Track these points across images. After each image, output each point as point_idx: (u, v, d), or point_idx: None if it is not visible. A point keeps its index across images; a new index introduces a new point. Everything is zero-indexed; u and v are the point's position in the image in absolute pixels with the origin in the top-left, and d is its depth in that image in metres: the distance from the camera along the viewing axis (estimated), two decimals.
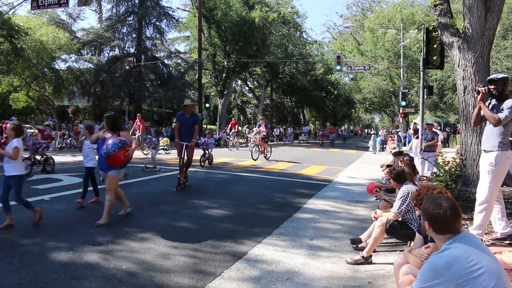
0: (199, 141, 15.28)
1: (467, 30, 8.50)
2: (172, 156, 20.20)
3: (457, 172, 9.01)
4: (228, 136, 30.78)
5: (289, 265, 4.99)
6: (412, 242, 4.81)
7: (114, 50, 37.01)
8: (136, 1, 37.09)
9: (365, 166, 17.57)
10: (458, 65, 8.68)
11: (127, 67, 38.65)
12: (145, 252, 5.21)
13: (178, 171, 13.09)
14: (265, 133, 19.58)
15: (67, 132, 27.68)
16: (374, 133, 32.39)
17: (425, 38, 15.57)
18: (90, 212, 7.25)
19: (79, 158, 17.43)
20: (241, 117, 67.29)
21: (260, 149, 19.19)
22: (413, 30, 32.49)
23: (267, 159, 19.09)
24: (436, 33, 11.40)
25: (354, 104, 67.71)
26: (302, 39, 51.00)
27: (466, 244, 2.60)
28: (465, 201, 7.54)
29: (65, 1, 18.22)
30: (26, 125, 25.38)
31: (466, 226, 6.12)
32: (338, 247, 5.78)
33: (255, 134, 19.99)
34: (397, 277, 3.66)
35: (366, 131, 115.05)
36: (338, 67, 29.05)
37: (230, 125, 26.94)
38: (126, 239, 5.67)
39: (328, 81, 61.26)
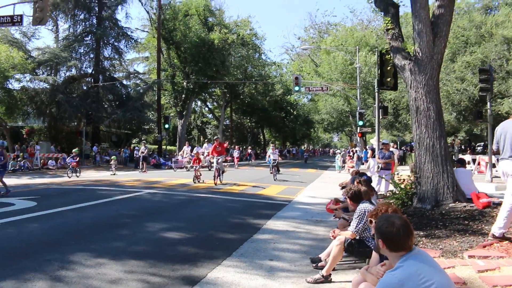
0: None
1: (417, 53, 8.85)
2: (129, 177, 19.87)
3: (412, 189, 9.25)
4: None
5: (249, 287, 4.96)
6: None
7: (71, 70, 36.35)
8: (94, 21, 36.71)
9: (325, 185, 17.78)
10: (410, 87, 9.00)
11: (85, 88, 37.97)
12: (100, 278, 5.04)
13: (136, 193, 12.90)
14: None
15: (21, 154, 26.71)
16: (339, 153, 33.00)
17: (378, 61, 16.13)
18: (43, 237, 6.99)
19: (36, 180, 16.92)
20: (201, 138, 67.08)
21: None
22: (362, 53, 33.52)
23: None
24: (389, 56, 11.83)
25: (313, 124, 68.79)
26: (261, 60, 51.75)
27: (418, 261, 2.67)
28: (421, 217, 7.73)
29: (19, 20, 17.80)
30: None
31: (422, 242, 6.27)
32: (298, 267, 5.79)
33: None
34: None
35: (326, 150, 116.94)
36: (297, 88, 29.58)
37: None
38: (81, 265, 5.48)
39: (288, 102, 62.16)
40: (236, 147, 40.54)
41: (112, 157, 25.18)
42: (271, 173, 20.48)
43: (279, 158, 21.58)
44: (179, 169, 27.02)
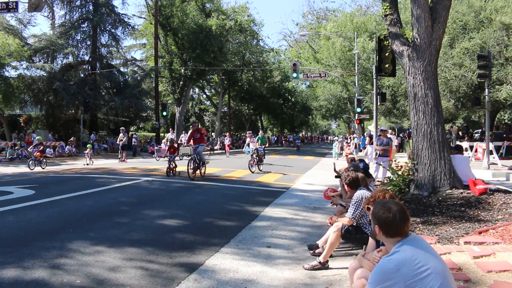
0: None
1: (415, 39, 8.82)
2: (127, 165, 19.88)
3: (409, 176, 9.28)
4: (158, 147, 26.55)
5: (247, 273, 4.99)
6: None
7: (68, 58, 36.11)
8: (91, 8, 36.38)
9: (323, 172, 17.81)
10: (408, 73, 8.98)
11: (82, 75, 37.75)
12: (99, 265, 5.07)
13: (134, 181, 12.91)
14: None
15: (18, 142, 26.66)
16: (336, 139, 33.03)
17: (377, 47, 16.07)
18: (42, 226, 7.01)
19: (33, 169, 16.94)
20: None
21: None
22: (361, 39, 33.36)
23: None
24: (387, 42, 11.78)
25: (311, 111, 68.73)
26: (259, 47, 51.56)
27: (414, 247, 2.69)
28: (418, 204, 7.77)
29: (14, 6, 17.64)
30: None
31: (418, 229, 6.31)
32: (296, 254, 5.83)
33: None
34: (351, 281, 3.74)
35: (324, 137, 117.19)
36: (295, 75, 29.47)
37: None
38: (79, 253, 5.51)
39: (285, 89, 62.04)
40: (227, 134, 39.11)
41: (88, 146, 22.89)
42: (251, 163, 17.63)
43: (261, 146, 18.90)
44: (162, 158, 24.61)
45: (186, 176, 14.43)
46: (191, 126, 16.57)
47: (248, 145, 19.31)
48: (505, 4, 21.01)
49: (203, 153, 15.54)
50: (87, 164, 20.55)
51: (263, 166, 18.50)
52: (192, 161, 14.59)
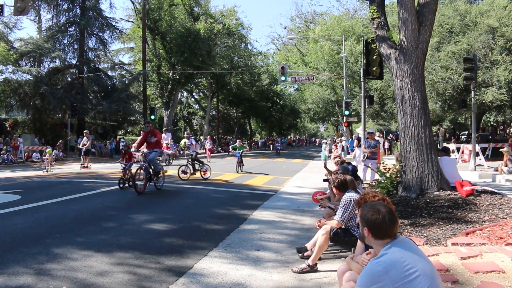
0: None
1: (402, 42, 8.88)
2: (113, 170, 19.72)
3: (397, 178, 9.32)
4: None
5: (236, 277, 4.97)
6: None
7: (55, 62, 35.77)
8: (78, 11, 36.14)
9: (311, 175, 17.84)
10: (396, 76, 9.04)
11: (69, 79, 37.46)
12: (86, 270, 5.01)
13: (118, 186, 12.59)
14: None
15: (4, 147, 26.33)
16: (325, 142, 33.12)
17: (364, 50, 16.17)
18: (28, 231, 6.92)
19: (19, 173, 16.70)
20: (188, 128, 66.93)
21: None
22: (349, 42, 33.55)
23: None
24: (375, 45, 11.86)
25: (300, 114, 68.90)
26: (247, 50, 51.63)
27: (402, 249, 2.69)
28: (406, 206, 7.81)
29: None
30: None
31: (406, 230, 6.34)
32: (285, 257, 5.82)
33: None
34: (340, 283, 3.73)
35: (313, 140, 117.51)
36: (283, 78, 29.48)
37: None
38: (66, 258, 5.44)
39: (274, 92, 62.19)
40: (207, 137, 37.29)
41: (47, 151, 20.31)
42: (184, 171, 15.12)
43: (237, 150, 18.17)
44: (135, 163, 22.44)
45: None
46: (144, 128, 13.58)
47: (188, 148, 16.72)
48: (489, 8, 21.27)
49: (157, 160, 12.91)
50: (46, 171, 18.55)
51: (210, 173, 16.02)
52: (142, 171, 11.70)
